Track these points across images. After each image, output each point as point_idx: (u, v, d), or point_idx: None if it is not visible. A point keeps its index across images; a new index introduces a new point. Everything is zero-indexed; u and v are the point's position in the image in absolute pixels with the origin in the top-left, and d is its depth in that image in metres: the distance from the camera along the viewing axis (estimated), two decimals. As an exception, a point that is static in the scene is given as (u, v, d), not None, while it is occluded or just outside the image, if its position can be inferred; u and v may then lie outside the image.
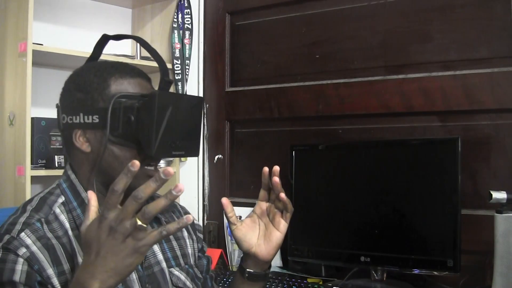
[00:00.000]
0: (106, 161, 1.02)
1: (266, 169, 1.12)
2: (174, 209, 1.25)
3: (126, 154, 1.02)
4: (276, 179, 1.08)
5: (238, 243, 1.14)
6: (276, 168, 1.09)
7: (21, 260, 0.92)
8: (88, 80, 1.04)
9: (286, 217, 1.13)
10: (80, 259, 0.98)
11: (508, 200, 1.46)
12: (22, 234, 0.95)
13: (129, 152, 1.02)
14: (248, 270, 1.15)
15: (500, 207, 1.47)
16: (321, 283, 1.81)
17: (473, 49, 1.80)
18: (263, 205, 1.15)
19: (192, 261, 1.20)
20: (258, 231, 1.14)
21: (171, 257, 1.15)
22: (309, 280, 1.83)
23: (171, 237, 1.17)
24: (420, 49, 1.90)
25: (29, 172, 1.77)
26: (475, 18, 1.79)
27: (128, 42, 2.41)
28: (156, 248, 1.12)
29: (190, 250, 1.20)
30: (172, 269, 1.13)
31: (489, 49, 1.78)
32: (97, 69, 1.06)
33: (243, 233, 1.13)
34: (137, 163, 0.80)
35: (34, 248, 0.94)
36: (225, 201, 1.14)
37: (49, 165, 1.90)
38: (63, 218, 1.02)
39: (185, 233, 1.22)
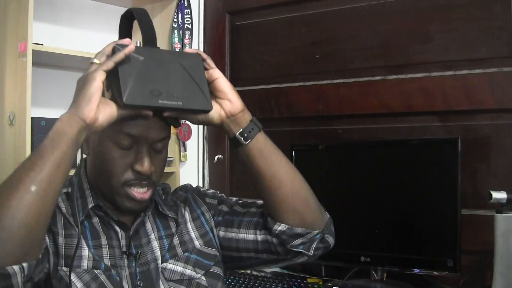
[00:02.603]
0: (99, 160, 1.06)
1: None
2: (182, 203, 1.22)
3: (116, 153, 1.04)
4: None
5: (210, 123, 1.07)
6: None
7: None
8: None
9: (207, 64, 1.08)
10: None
11: (508, 200, 1.46)
12: None
13: (121, 154, 1.04)
14: (238, 133, 1.06)
15: (500, 207, 1.47)
16: (321, 283, 1.81)
17: (473, 49, 1.80)
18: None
19: (198, 244, 1.16)
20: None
21: (166, 251, 1.12)
22: (309, 280, 1.83)
23: (174, 231, 1.15)
24: (420, 49, 1.90)
25: (29, 172, 1.77)
26: (475, 18, 1.79)
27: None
28: (155, 244, 1.12)
29: (193, 234, 1.17)
30: (165, 264, 1.10)
31: (489, 49, 1.78)
32: None
33: (203, 116, 1.06)
34: (132, 47, 0.96)
35: None
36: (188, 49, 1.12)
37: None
38: (62, 205, 1.07)
39: (187, 216, 1.19)
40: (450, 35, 1.84)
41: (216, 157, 2.39)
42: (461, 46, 1.82)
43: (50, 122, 1.91)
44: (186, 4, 2.32)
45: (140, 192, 1.05)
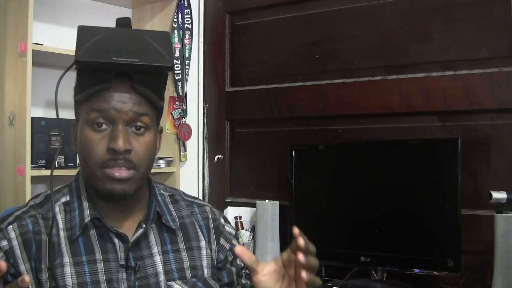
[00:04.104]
0: (80, 148, 1.03)
1: (296, 230, 0.89)
2: (203, 222, 1.17)
3: (93, 136, 1.01)
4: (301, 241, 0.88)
5: None
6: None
7: (0, 253, 0.98)
8: None
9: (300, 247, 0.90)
10: (66, 260, 1.00)
11: (508, 200, 1.47)
12: (9, 227, 1.00)
13: (97, 136, 1.01)
14: None
15: (500, 207, 1.47)
16: (321, 283, 1.81)
17: (473, 49, 1.80)
18: (291, 255, 0.93)
19: (206, 273, 1.12)
20: (281, 284, 0.95)
21: (174, 269, 1.08)
22: (309, 280, 1.83)
23: (181, 247, 1.11)
24: (420, 49, 1.90)
25: (29, 172, 1.77)
26: (475, 18, 1.79)
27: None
28: (157, 258, 1.07)
29: (204, 262, 1.12)
30: (171, 283, 1.06)
31: (489, 49, 1.78)
32: None
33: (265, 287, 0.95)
34: (27, 279, 0.79)
35: (14, 242, 0.99)
36: (239, 249, 0.95)
37: (49, 165, 1.89)
38: (59, 217, 1.04)
39: (202, 243, 1.14)
40: (450, 35, 1.84)
41: (216, 157, 2.39)
42: (461, 46, 1.82)
43: (50, 122, 1.91)
44: (186, 4, 2.32)
45: (117, 170, 1.00)
